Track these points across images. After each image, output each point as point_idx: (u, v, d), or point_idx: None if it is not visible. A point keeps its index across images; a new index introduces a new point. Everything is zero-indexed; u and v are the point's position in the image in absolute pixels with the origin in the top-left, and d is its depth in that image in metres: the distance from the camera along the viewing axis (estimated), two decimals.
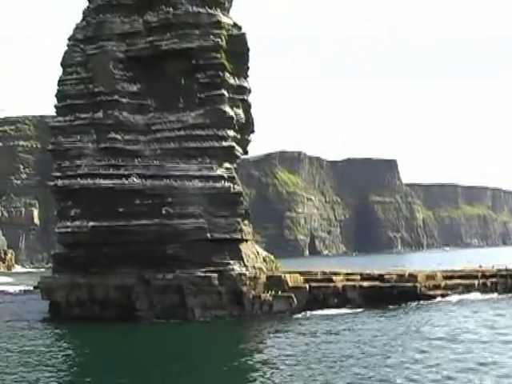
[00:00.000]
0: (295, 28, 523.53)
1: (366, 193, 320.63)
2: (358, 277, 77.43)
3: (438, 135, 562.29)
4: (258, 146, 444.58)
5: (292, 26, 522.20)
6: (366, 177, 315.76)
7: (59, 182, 73.51)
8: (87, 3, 79.58)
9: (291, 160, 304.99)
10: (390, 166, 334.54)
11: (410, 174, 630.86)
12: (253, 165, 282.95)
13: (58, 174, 73.97)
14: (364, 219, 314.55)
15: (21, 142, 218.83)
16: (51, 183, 74.96)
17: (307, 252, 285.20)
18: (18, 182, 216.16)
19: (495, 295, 71.59)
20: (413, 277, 73.90)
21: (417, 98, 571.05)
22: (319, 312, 68.98)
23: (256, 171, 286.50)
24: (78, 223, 71.98)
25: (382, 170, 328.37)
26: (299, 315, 68.07)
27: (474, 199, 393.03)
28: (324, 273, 79.02)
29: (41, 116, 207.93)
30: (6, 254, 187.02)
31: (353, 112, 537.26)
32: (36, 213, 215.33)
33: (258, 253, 76.56)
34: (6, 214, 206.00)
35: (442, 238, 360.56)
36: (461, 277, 75.63)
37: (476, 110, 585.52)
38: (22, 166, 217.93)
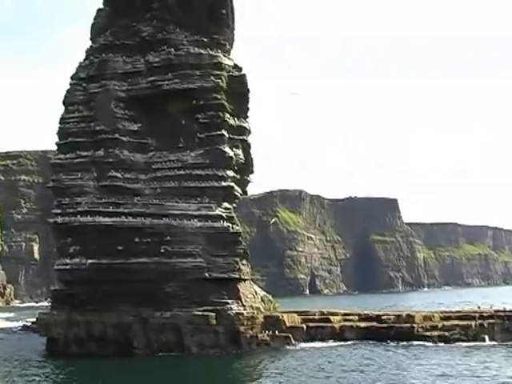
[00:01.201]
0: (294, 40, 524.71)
1: (367, 232, 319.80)
2: (356, 317, 77.52)
3: (439, 174, 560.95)
4: (259, 184, 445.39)
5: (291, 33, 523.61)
6: (367, 216, 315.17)
7: (59, 219, 74.00)
8: (90, 43, 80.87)
9: (292, 199, 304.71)
10: (391, 205, 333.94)
11: (410, 213, 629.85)
12: (254, 203, 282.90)
13: (58, 210, 74.52)
14: (365, 258, 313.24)
15: (22, 177, 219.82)
16: (51, 220, 75.49)
17: (307, 291, 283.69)
18: (19, 216, 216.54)
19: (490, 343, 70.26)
20: (410, 317, 73.84)
21: (416, 135, 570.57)
22: (312, 344, 69.97)
23: (257, 209, 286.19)
24: (77, 260, 72.34)
25: (383, 209, 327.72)
26: (293, 347, 68.99)
27: (474, 239, 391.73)
28: (322, 313, 79.19)
29: (43, 151, 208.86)
30: (5, 288, 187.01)
31: (354, 149, 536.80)
32: (36, 248, 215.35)
33: (256, 292, 76.82)
34: (6, 248, 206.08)
35: (443, 277, 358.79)
36: (458, 318, 75.51)
37: (479, 149, 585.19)
38: (23, 201, 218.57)
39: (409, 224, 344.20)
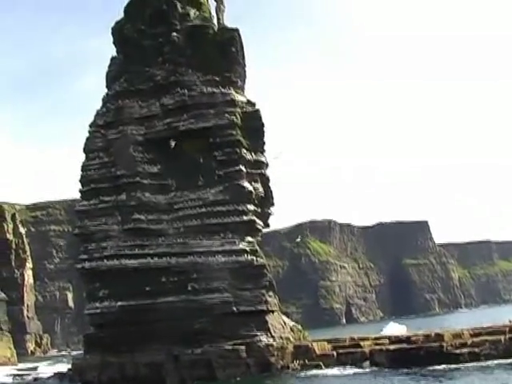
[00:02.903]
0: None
1: (400, 256, 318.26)
2: (387, 340, 77.56)
3: (467, 192, 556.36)
4: (289, 217, 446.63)
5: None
6: (398, 240, 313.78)
7: (87, 265, 75.59)
8: (106, 90, 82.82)
9: (322, 229, 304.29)
10: (422, 227, 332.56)
11: (442, 233, 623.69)
12: (284, 236, 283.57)
13: (85, 256, 76.13)
14: (399, 283, 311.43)
15: (52, 227, 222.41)
16: (79, 266, 77.07)
17: (344, 320, 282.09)
18: (52, 266, 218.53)
19: None
20: (439, 336, 73.82)
21: (440, 161, 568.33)
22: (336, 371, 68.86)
23: (288, 242, 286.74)
24: (106, 304, 73.76)
25: (414, 232, 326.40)
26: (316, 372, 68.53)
27: (509, 254, 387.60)
28: (352, 339, 79.43)
29: (71, 200, 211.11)
30: (41, 338, 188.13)
31: (380, 175, 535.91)
32: (70, 296, 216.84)
33: (284, 323, 77.38)
34: (40, 298, 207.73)
35: (480, 296, 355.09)
36: (488, 333, 75.29)
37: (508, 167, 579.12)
38: (54, 251, 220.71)
39: (441, 245, 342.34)
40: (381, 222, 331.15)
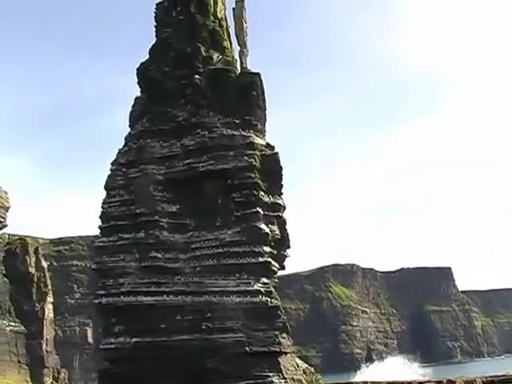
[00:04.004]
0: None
1: (422, 302, 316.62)
2: None
3: (491, 238, 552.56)
4: (311, 260, 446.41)
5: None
6: (421, 286, 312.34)
7: (103, 300, 76.32)
8: (129, 129, 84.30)
9: (344, 273, 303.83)
10: (445, 273, 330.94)
11: (465, 280, 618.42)
12: (306, 279, 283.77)
13: (103, 292, 76.91)
14: (421, 330, 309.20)
15: (75, 262, 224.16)
16: (96, 301, 77.92)
17: (364, 366, 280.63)
18: (72, 301, 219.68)
19: None
20: (451, 383, 73.56)
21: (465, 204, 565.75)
22: None
23: (309, 285, 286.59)
24: (121, 339, 74.22)
25: (437, 279, 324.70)
26: None
27: None
28: (365, 383, 79.35)
29: (94, 236, 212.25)
30: (59, 373, 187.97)
31: (405, 221, 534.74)
32: (90, 332, 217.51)
33: (297, 365, 77.54)
34: (60, 333, 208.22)
35: (503, 344, 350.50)
36: (501, 381, 74.91)
37: None
38: (75, 286, 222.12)
39: (464, 292, 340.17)
40: (403, 267, 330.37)
